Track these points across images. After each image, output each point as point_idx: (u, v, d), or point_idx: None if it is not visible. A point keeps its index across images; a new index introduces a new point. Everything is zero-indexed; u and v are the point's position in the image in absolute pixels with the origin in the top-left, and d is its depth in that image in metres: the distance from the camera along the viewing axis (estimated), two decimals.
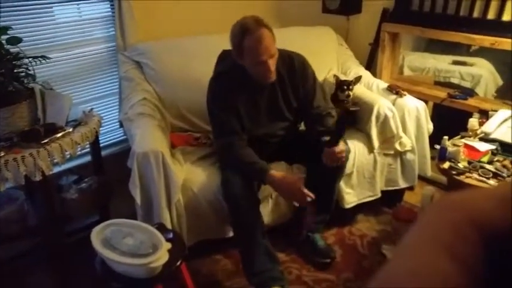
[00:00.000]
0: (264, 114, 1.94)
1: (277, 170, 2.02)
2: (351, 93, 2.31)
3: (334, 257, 2.05)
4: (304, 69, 1.95)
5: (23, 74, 1.79)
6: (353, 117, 2.30)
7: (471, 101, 2.43)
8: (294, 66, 1.92)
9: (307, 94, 1.95)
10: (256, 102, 1.92)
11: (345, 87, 2.30)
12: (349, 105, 2.29)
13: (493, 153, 1.91)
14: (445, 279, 0.26)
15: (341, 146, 1.84)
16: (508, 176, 1.76)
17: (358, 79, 2.36)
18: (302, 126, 2.17)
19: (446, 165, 1.87)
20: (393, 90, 2.40)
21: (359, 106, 2.30)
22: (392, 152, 2.27)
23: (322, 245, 2.08)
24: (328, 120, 1.94)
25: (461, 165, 1.85)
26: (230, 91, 1.86)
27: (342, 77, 2.44)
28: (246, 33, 1.71)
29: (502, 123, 2.05)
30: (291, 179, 1.81)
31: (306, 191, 1.75)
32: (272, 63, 1.77)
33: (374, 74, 2.71)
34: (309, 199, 1.75)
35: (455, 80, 2.91)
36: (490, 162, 1.85)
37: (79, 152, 1.89)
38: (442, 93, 2.55)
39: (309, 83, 1.95)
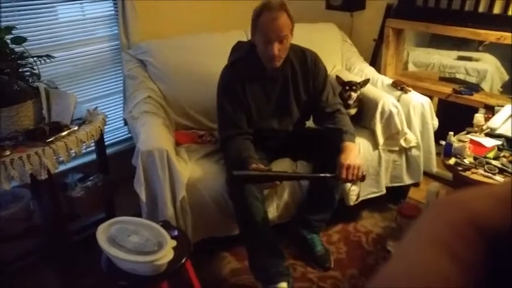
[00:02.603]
0: (273, 106, 1.94)
1: (282, 166, 2.03)
2: (353, 94, 2.25)
3: (329, 267, 2.01)
4: (316, 65, 1.95)
5: (28, 73, 1.80)
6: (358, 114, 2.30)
7: (477, 97, 2.42)
8: (307, 61, 1.93)
9: (317, 88, 1.96)
10: (267, 93, 1.92)
11: (347, 87, 2.25)
12: (350, 108, 2.25)
13: (499, 148, 1.90)
14: (444, 279, 0.26)
15: (343, 165, 1.76)
16: None
17: (366, 82, 2.32)
18: (308, 124, 2.16)
19: (452, 161, 1.86)
20: (398, 86, 2.38)
21: (362, 105, 2.30)
22: (397, 149, 2.27)
23: (320, 250, 2.05)
24: (338, 117, 1.93)
25: (467, 161, 1.84)
26: (242, 79, 1.86)
27: (349, 77, 2.41)
28: (265, 10, 1.74)
29: (508, 118, 2.04)
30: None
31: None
32: (277, 48, 1.76)
33: (378, 70, 2.70)
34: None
35: (460, 76, 2.89)
36: (496, 158, 1.84)
37: (84, 151, 1.90)
38: (447, 89, 2.54)
39: (320, 78, 1.96)
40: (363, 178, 1.80)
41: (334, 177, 1.79)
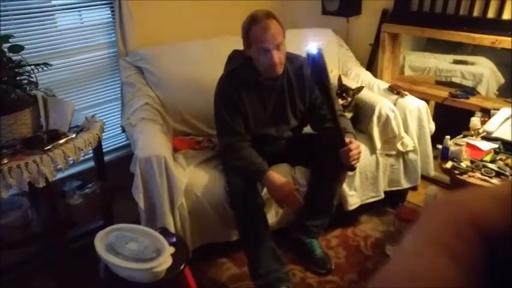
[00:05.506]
0: (270, 114, 1.94)
1: (280, 172, 2.02)
2: (349, 99, 2.27)
3: (330, 269, 2.01)
4: None
5: (26, 81, 1.80)
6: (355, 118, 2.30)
7: (473, 100, 2.43)
8: (303, 70, 1.92)
9: (315, 98, 1.94)
10: (263, 102, 1.92)
11: (344, 94, 2.26)
12: (344, 112, 2.26)
13: (496, 152, 1.90)
14: (444, 279, 0.26)
15: (353, 142, 1.73)
16: (511, 175, 1.75)
17: (359, 89, 2.31)
18: (305, 130, 2.17)
19: (448, 164, 1.86)
20: (394, 90, 2.39)
21: (357, 110, 2.30)
22: (394, 153, 2.27)
23: (319, 253, 2.05)
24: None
25: (464, 164, 1.84)
26: (238, 89, 1.86)
27: (346, 81, 2.42)
28: (254, 22, 1.74)
29: (504, 121, 2.05)
30: (285, 182, 1.80)
31: (298, 196, 1.78)
32: (277, 55, 1.76)
33: (375, 75, 2.71)
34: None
35: (456, 79, 2.91)
36: (492, 161, 1.84)
37: (82, 158, 1.90)
38: (443, 93, 2.55)
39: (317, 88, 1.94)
40: (352, 168, 1.78)
41: (343, 148, 1.70)
